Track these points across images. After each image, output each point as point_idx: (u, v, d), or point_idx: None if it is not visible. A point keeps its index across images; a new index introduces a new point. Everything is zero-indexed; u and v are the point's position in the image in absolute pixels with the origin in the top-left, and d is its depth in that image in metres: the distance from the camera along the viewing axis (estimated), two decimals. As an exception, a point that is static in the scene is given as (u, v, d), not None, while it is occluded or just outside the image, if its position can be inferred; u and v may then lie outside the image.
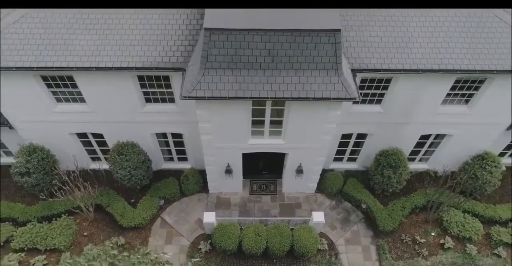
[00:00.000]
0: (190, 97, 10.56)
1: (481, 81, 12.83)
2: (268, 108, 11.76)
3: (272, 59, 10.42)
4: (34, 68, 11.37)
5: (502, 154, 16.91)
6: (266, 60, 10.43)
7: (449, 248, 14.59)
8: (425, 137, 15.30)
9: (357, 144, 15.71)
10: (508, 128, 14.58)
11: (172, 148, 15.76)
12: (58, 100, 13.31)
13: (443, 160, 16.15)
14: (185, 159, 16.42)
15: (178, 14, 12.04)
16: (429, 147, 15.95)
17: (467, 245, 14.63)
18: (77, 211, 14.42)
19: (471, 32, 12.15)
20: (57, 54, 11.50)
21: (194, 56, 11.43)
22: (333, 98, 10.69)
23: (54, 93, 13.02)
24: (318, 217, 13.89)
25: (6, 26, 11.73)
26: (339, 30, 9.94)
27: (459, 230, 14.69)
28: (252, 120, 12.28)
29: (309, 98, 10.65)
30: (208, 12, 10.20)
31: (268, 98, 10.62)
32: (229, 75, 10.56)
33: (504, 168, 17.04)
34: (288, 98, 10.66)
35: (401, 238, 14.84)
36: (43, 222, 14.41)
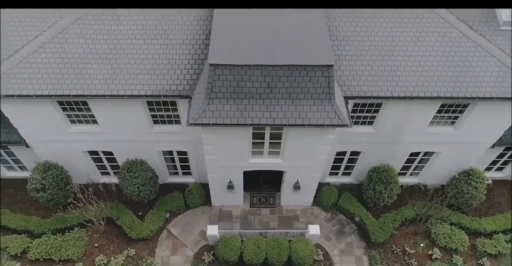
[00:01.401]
0: (196, 124, 11.56)
1: (465, 106, 13.83)
2: (267, 133, 12.75)
3: (271, 90, 11.41)
4: (53, 96, 12.38)
5: (489, 168, 17.90)
6: (265, 91, 11.42)
7: (436, 258, 15.58)
8: (415, 154, 16.30)
9: (351, 160, 16.70)
10: (492, 147, 15.56)
11: (177, 164, 16.75)
12: (72, 122, 14.31)
13: (433, 174, 17.17)
14: (189, 173, 17.41)
15: (184, 44, 13.06)
16: (419, 162, 16.94)
17: (454, 255, 15.62)
18: (89, 224, 15.41)
19: (455, 61, 13.14)
20: (73, 83, 12.51)
21: (199, 84, 12.43)
22: (327, 125, 11.67)
23: (68, 116, 14.02)
24: (314, 230, 14.93)
25: (26, 55, 12.74)
26: (332, 66, 10.93)
27: (446, 242, 15.68)
28: (253, 142, 13.27)
29: (305, 125, 11.63)
30: (213, 48, 11.18)
31: (267, 125, 11.61)
32: (231, 104, 11.56)
33: (490, 182, 18.12)
34: (286, 125, 11.65)
35: (392, 249, 15.84)
36: (57, 234, 15.42)
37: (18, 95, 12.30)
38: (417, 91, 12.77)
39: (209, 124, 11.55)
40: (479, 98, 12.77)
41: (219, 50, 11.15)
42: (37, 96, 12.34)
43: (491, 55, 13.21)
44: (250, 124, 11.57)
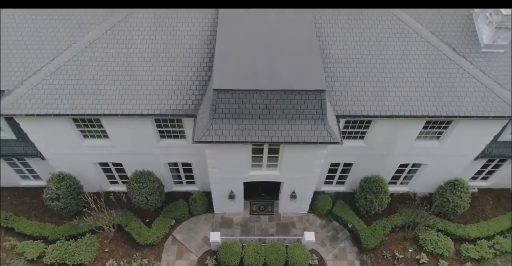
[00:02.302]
0: (201, 142, 12.69)
1: (449, 122, 14.96)
2: (265, 148, 13.89)
3: (269, 111, 12.53)
4: (69, 115, 13.52)
5: (474, 177, 19.03)
6: (264, 112, 12.54)
7: (424, 263, 16.71)
8: (404, 165, 17.42)
9: (345, 171, 17.83)
10: (475, 159, 16.68)
11: (182, 174, 17.89)
12: (85, 136, 15.44)
13: (421, 183, 18.32)
14: (193, 183, 18.54)
15: (189, 66, 14.21)
16: (408, 173, 18.08)
17: (440, 260, 16.74)
18: (100, 231, 16.55)
19: (439, 82, 14.27)
20: (88, 102, 13.64)
21: (203, 104, 13.57)
22: (320, 143, 12.79)
23: (82, 131, 15.15)
24: (309, 236, 16.08)
25: (44, 77, 13.87)
26: (324, 90, 12.07)
27: (433, 247, 16.80)
28: (252, 156, 14.40)
29: (300, 142, 12.75)
30: (216, 74, 12.32)
31: (265, 142, 12.74)
32: (233, 123, 12.68)
33: (476, 190, 19.30)
34: (282, 142, 12.77)
35: (382, 254, 16.97)
36: (70, 240, 16.53)
37: (37, 114, 13.44)
38: (403, 110, 13.90)
39: (213, 142, 12.68)
40: (460, 116, 13.91)
41: (222, 76, 12.28)
42: (55, 115, 13.48)
43: (472, 76, 14.34)
44: (250, 142, 12.70)
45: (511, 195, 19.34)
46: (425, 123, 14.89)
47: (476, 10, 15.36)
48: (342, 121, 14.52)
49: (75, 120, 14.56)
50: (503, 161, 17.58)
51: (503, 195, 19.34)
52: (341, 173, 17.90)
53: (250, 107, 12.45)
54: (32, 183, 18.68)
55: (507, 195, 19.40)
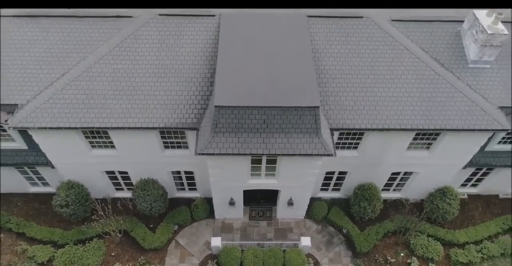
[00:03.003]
0: (203, 154, 13.55)
1: (437, 134, 15.81)
2: (264, 160, 14.75)
3: (267, 125, 13.39)
4: (79, 128, 14.38)
5: (464, 184, 19.87)
6: (262, 126, 13.39)
7: (414, 266, 17.62)
8: (396, 173, 18.27)
9: (340, 178, 18.67)
10: (464, 168, 17.53)
11: (184, 181, 18.75)
12: (93, 146, 16.29)
13: (413, 190, 19.17)
14: (194, 189, 19.40)
15: (192, 81, 15.06)
16: (400, 180, 18.92)
17: (430, 264, 17.59)
18: (107, 236, 17.41)
19: (428, 97, 15.11)
20: (97, 116, 14.49)
21: (205, 118, 14.42)
22: (314, 155, 13.65)
23: (90, 142, 16.01)
24: (305, 241, 16.96)
25: (56, 92, 14.73)
26: (318, 107, 12.93)
27: (423, 252, 17.65)
28: (251, 166, 15.25)
29: (296, 154, 13.60)
30: (217, 92, 13.18)
31: (263, 154, 13.60)
32: (233, 137, 13.53)
33: (466, 196, 20.16)
34: (279, 154, 13.63)
35: (375, 258, 17.82)
36: (78, 244, 17.40)
37: (49, 128, 14.30)
38: (393, 123, 14.74)
39: (214, 154, 13.53)
40: (447, 129, 14.75)
41: (223, 93, 13.14)
42: (66, 128, 14.34)
43: (459, 91, 15.18)
44: (249, 154, 13.55)
45: (499, 201, 20.20)
46: (415, 135, 15.73)
47: (465, 27, 16.19)
48: (336, 133, 15.37)
49: (84, 132, 15.42)
50: (490, 169, 18.41)
51: (492, 201, 20.19)
52: (336, 180, 18.75)
53: (249, 122, 13.30)
54: (41, 189, 19.54)
55: (495, 201, 20.25)
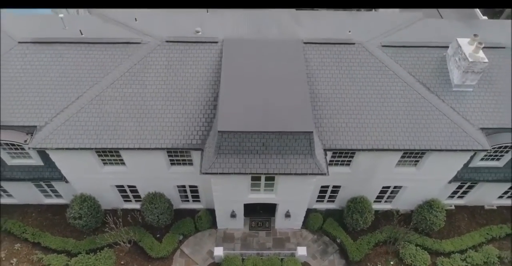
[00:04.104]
0: (207, 173, 14.84)
1: (423, 153, 17.08)
2: (262, 178, 16.05)
3: (265, 148, 14.67)
4: (93, 148, 15.66)
5: (452, 196, 21.13)
6: (261, 148, 14.68)
7: (403, 274, 18.91)
8: (386, 187, 19.55)
9: (334, 191, 19.94)
10: (449, 182, 18.80)
11: (189, 194, 20.04)
12: (105, 163, 17.58)
13: (403, 202, 20.45)
14: (198, 201, 20.68)
15: (197, 105, 16.33)
16: (391, 193, 20.20)
17: (418, 272, 18.92)
18: (117, 246, 18.70)
19: (414, 119, 16.38)
20: (109, 137, 15.77)
21: (209, 140, 15.70)
22: (309, 174, 14.94)
23: (102, 160, 17.29)
24: (301, 251, 18.26)
25: (71, 115, 16.01)
26: (311, 132, 14.22)
27: (412, 260, 18.92)
28: (251, 183, 16.54)
29: (292, 173, 14.89)
30: (220, 118, 14.46)
31: (262, 173, 14.89)
32: (235, 158, 14.81)
33: (453, 207, 21.44)
34: (277, 173, 14.92)
35: (367, 266, 19.16)
36: (90, 253, 18.67)
37: (66, 148, 15.58)
38: (382, 144, 16.01)
39: (217, 173, 14.82)
40: (431, 150, 16.03)
41: (225, 119, 14.44)
42: (81, 149, 15.63)
43: (443, 114, 16.45)
44: (249, 173, 14.84)
45: (484, 212, 21.49)
46: (403, 154, 17.01)
47: (449, 53, 17.45)
48: (330, 152, 16.63)
49: (97, 151, 16.69)
50: (475, 183, 19.69)
51: (477, 212, 21.48)
52: (331, 193, 20.03)
53: (249, 144, 14.59)
54: (54, 201, 20.82)
55: (481, 211, 21.54)
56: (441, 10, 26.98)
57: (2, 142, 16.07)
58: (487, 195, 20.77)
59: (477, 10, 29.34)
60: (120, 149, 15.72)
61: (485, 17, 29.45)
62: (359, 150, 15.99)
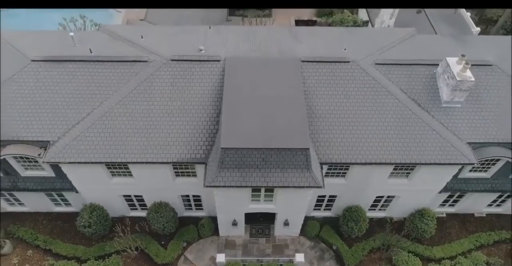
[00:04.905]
0: (210, 186, 15.86)
1: (414, 166, 18.09)
2: (262, 190, 17.07)
3: (265, 162, 15.68)
4: (103, 162, 16.68)
5: (443, 204, 22.15)
6: (261, 163, 15.69)
7: (396, 279, 19.92)
8: (380, 197, 20.57)
9: (330, 200, 20.96)
10: (439, 192, 19.81)
11: (192, 203, 21.06)
12: (114, 175, 18.59)
13: (396, 210, 21.47)
14: (201, 209, 21.71)
15: (201, 121, 17.33)
16: (384, 202, 21.21)
17: (410, 277, 19.94)
18: (125, 253, 19.72)
19: (405, 134, 17.38)
20: (119, 152, 16.77)
21: (212, 154, 16.70)
22: (305, 187, 15.95)
23: (111, 172, 18.31)
24: (299, 257, 19.29)
25: (82, 131, 17.01)
26: (308, 148, 15.24)
27: (404, 266, 20.00)
28: (252, 194, 17.55)
29: (290, 186, 15.91)
30: (223, 135, 15.47)
31: (262, 186, 15.91)
32: (236, 172, 15.82)
33: (444, 215, 22.46)
34: (276, 186, 15.93)
35: (362, 271, 20.18)
36: (99, 259, 19.69)
37: (78, 162, 16.60)
38: (375, 158, 17.01)
39: (220, 186, 15.84)
40: (421, 163, 17.04)
41: (228, 136, 15.44)
42: (92, 163, 16.64)
43: (433, 129, 17.45)
44: (250, 186, 15.86)
45: (474, 220, 22.51)
46: (395, 166, 18.02)
47: (439, 70, 18.45)
48: (326, 165, 17.65)
49: (106, 164, 17.70)
50: (464, 193, 20.70)
51: (468, 219, 22.50)
52: (327, 202, 21.05)
53: (250, 160, 15.60)
54: (63, 209, 21.85)
55: (471, 219, 22.56)
56: (434, 23, 28.01)
57: (17, 155, 17.10)
58: (477, 204, 21.79)
59: (471, 21, 30.40)
60: (129, 162, 16.73)
61: (478, 28, 30.62)
62: (353, 163, 16.99)
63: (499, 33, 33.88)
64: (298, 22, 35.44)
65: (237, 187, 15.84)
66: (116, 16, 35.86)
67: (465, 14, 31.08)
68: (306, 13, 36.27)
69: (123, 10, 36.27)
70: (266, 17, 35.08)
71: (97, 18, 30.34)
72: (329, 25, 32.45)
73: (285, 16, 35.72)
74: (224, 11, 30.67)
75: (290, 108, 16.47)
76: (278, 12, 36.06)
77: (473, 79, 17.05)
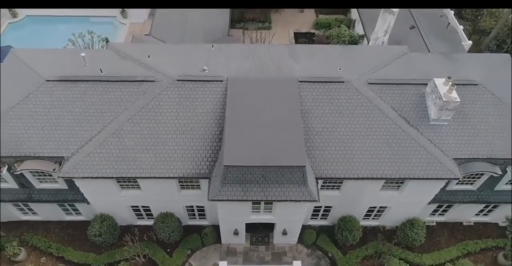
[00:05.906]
0: (214, 200, 17.13)
1: (404, 180, 19.34)
2: (262, 203, 18.33)
3: (265, 178, 16.94)
4: (114, 177, 17.95)
5: (433, 214, 23.40)
6: (260, 179, 16.95)
7: (388, 285, 21.16)
8: (372, 207, 21.83)
9: (326, 210, 22.22)
10: (429, 203, 21.07)
11: (196, 212, 22.32)
12: (122, 188, 19.86)
13: (389, 219, 22.73)
14: (204, 218, 22.97)
15: (204, 138, 18.59)
16: (377, 212, 22.47)
17: (401, 283, 21.19)
18: (133, 260, 21.00)
19: (395, 150, 18.64)
20: (128, 168, 18.03)
21: (215, 170, 17.97)
22: (302, 200, 17.21)
23: (121, 185, 19.58)
24: (297, 264, 20.35)
25: (94, 147, 18.27)
26: (304, 166, 16.51)
27: (395, 273, 21.25)
28: (252, 206, 18.81)
29: (287, 200, 17.17)
30: (226, 153, 16.71)
31: (261, 200, 17.18)
32: (238, 187, 17.08)
33: (434, 223, 23.71)
34: (274, 200, 17.19)
35: (355, 278, 21.43)
36: (108, 267, 21.03)
37: (91, 177, 17.87)
38: (366, 173, 18.27)
39: (223, 200, 17.10)
40: (409, 178, 18.30)
41: (230, 154, 16.70)
42: (103, 178, 17.91)
43: (421, 146, 18.69)
44: (250, 200, 17.13)
45: (463, 228, 23.76)
46: (386, 180, 19.28)
47: (428, 90, 19.68)
48: (321, 180, 18.92)
49: (117, 179, 18.96)
50: (452, 203, 21.96)
51: (457, 228, 23.75)
52: (323, 212, 22.31)
53: (251, 176, 16.86)
54: (74, 217, 23.12)
55: (460, 227, 23.81)
56: (426, 39, 29.24)
57: (33, 170, 18.37)
58: (465, 213, 23.04)
59: (463, 34, 31.62)
60: (137, 177, 18.00)
61: (470, 42, 31.88)
62: (346, 178, 18.25)
63: (492, 43, 35.08)
64: (297, 35, 36.70)
65: (238, 200, 17.10)
66: (121, 29, 37.15)
67: (458, 27, 32.31)
68: (305, 26, 37.56)
69: (127, 22, 37.59)
70: (266, 29, 36.43)
71: (103, 30, 31.38)
72: (327, 37, 33.68)
73: (284, 29, 37.03)
74: (226, 25, 31.94)
75: (288, 127, 17.72)
76: (277, 25, 37.36)
77: (458, 100, 18.29)
